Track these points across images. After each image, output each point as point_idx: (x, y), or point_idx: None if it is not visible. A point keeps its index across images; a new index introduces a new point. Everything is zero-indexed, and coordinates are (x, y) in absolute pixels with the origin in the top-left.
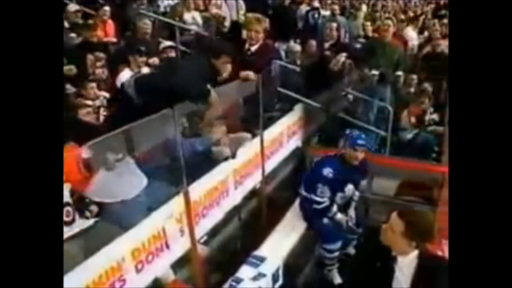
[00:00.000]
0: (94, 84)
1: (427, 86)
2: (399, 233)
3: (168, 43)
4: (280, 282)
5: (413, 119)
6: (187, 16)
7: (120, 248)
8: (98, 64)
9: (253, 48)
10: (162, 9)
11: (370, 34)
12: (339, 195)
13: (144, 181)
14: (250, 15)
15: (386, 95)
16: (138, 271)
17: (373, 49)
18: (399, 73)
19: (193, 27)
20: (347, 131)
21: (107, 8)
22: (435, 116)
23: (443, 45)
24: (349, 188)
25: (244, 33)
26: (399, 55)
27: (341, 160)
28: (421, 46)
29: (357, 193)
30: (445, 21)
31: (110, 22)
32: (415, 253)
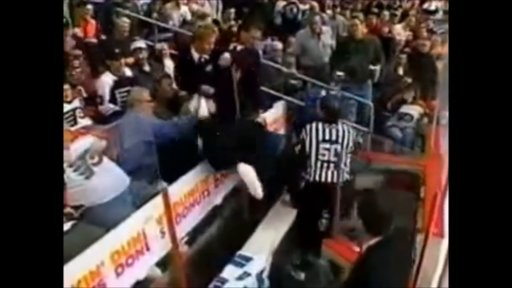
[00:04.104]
0: (67, 86)
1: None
2: None
3: (139, 43)
4: (266, 281)
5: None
6: (175, 14)
7: (99, 251)
8: (76, 62)
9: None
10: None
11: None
12: None
13: (126, 180)
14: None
15: (368, 92)
16: (118, 275)
17: (342, 48)
18: (373, 67)
19: (171, 26)
20: None
21: (90, 7)
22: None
23: (427, 46)
24: None
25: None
26: (374, 49)
27: None
28: (407, 42)
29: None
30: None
31: (92, 21)
32: None
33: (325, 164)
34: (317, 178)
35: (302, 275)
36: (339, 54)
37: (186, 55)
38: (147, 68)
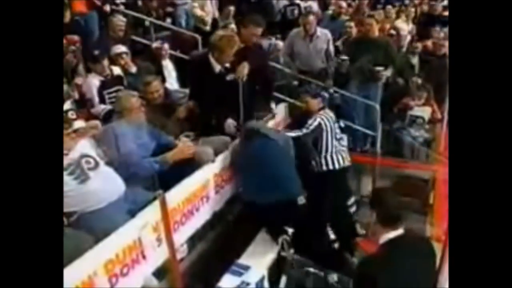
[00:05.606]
0: None
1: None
2: None
3: (119, 49)
4: None
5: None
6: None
7: (92, 260)
8: (71, 49)
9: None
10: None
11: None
12: None
13: (122, 186)
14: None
15: (377, 94)
16: (112, 285)
17: (353, 47)
18: (384, 70)
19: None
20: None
21: None
22: (423, 113)
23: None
24: None
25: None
26: (386, 50)
27: None
28: (413, 39)
29: None
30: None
31: None
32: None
33: (340, 147)
34: (330, 166)
35: (335, 277)
36: (348, 52)
37: (205, 67)
38: (133, 69)
